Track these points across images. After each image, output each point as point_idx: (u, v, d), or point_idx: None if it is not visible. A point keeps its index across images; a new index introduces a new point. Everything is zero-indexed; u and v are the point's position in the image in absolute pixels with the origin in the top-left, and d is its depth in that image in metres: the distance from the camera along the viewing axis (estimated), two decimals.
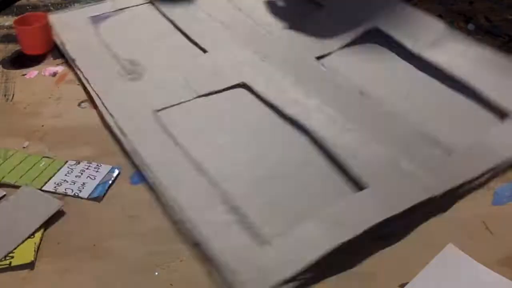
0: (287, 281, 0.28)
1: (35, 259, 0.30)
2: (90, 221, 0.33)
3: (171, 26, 0.53)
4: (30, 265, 0.30)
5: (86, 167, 0.37)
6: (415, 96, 0.43)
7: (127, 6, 0.56)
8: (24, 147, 0.39)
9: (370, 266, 0.30)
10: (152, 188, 0.35)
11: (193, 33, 0.51)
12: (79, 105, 0.44)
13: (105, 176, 0.36)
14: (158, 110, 0.41)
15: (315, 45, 0.49)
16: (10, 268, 0.30)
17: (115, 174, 0.36)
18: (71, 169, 0.37)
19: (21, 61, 0.50)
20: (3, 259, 0.30)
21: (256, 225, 0.32)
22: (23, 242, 0.31)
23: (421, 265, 0.30)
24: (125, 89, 0.44)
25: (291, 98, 0.42)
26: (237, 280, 0.28)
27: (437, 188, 0.33)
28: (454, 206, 0.34)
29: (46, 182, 0.35)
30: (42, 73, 0.47)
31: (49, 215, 0.32)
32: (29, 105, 0.43)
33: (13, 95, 0.45)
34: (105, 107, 0.42)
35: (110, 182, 0.36)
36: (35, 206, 0.33)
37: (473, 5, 0.59)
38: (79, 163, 0.37)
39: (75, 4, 0.60)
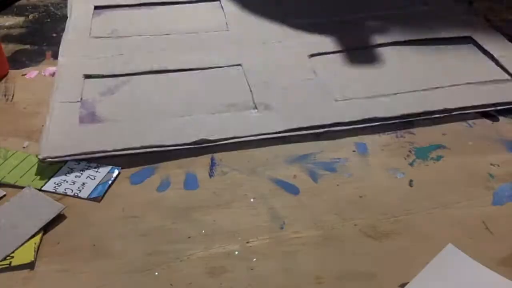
0: None
1: (35, 259, 0.30)
2: (90, 221, 0.33)
3: None
4: (30, 265, 0.30)
5: (86, 167, 0.37)
6: None
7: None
8: (24, 147, 0.39)
9: (370, 266, 0.30)
10: None
11: None
12: None
13: (105, 176, 0.36)
14: None
15: None
16: (10, 268, 0.30)
17: (115, 174, 0.36)
18: (71, 169, 0.37)
19: (21, 61, 0.50)
20: (3, 259, 0.30)
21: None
22: (23, 244, 0.31)
23: (421, 265, 0.30)
24: None
25: None
26: None
27: None
28: (454, 206, 0.34)
29: (46, 182, 0.35)
30: (42, 73, 0.47)
31: (50, 218, 0.32)
32: (29, 105, 0.43)
33: (13, 95, 0.45)
34: None
35: (110, 182, 0.36)
36: (37, 208, 0.33)
37: (473, 5, 0.59)
38: (79, 163, 0.37)
39: None
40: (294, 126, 0.40)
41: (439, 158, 0.38)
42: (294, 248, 0.31)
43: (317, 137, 0.40)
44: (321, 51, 0.50)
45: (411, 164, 0.38)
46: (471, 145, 0.39)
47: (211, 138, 0.39)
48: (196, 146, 0.39)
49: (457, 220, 0.33)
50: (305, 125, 0.40)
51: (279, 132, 0.40)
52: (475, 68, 0.47)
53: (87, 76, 0.46)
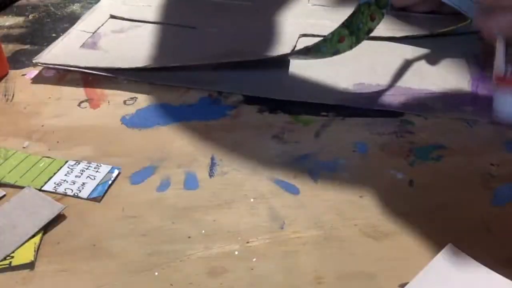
0: None
1: (35, 259, 0.30)
2: (90, 221, 0.33)
3: None
4: (30, 265, 0.30)
5: (86, 167, 0.37)
6: None
7: None
8: (24, 147, 0.39)
9: (370, 266, 0.30)
10: None
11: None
12: (79, 105, 0.44)
13: (105, 176, 0.36)
14: None
15: None
16: (10, 268, 0.30)
17: (115, 174, 0.36)
18: (71, 169, 0.37)
19: (21, 61, 0.50)
20: (3, 259, 0.30)
21: None
22: (23, 244, 0.31)
23: (421, 265, 0.30)
24: None
25: None
26: None
27: None
28: (454, 206, 0.34)
29: (46, 182, 0.35)
30: (42, 73, 0.47)
31: (50, 218, 0.32)
32: (29, 105, 0.43)
33: (13, 95, 0.45)
34: None
35: (110, 182, 0.36)
36: (37, 208, 0.33)
37: None
38: (79, 163, 0.37)
39: (76, 4, 0.60)
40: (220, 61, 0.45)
41: (439, 158, 0.38)
42: (294, 248, 0.31)
43: (317, 136, 0.40)
44: (314, 33, 0.51)
45: (411, 164, 0.38)
46: (471, 145, 0.39)
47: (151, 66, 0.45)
48: (139, 69, 0.45)
49: (457, 220, 0.33)
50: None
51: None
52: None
53: (112, 16, 0.55)
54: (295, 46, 0.49)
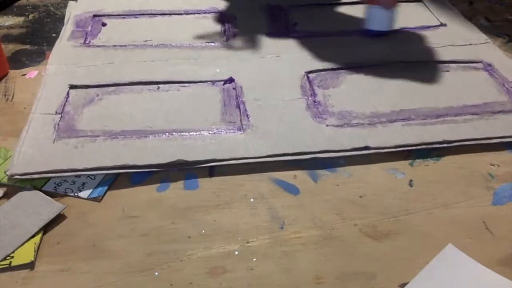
0: None
1: (35, 259, 0.30)
2: (90, 221, 0.33)
3: None
4: (30, 265, 0.30)
5: None
6: None
7: None
8: None
9: (370, 266, 0.30)
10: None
11: None
12: None
13: (105, 176, 0.36)
14: None
15: None
16: (10, 268, 0.30)
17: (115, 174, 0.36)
18: None
19: (21, 61, 0.50)
20: (3, 259, 0.30)
21: None
22: (23, 244, 0.31)
23: (421, 265, 0.30)
24: None
25: None
26: None
27: None
28: (454, 206, 0.34)
29: (46, 182, 0.35)
30: (42, 73, 0.47)
31: (50, 218, 0.32)
32: (29, 105, 0.43)
33: (13, 95, 0.45)
34: None
35: (110, 182, 0.36)
36: (37, 208, 0.33)
37: (473, 5, 0.59)
38: None
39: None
40: (279, 152, 0.38)
41: (439, 158, 0.38)
42: (294, 248, 0.31)
43: None
44: (319, 68, 0.47)
45: (411, 164, 0.38)
46: (471, 145, 0.39)
47: (189, 159, 0.37)
48: (171, 168, 0.37)
49: (457, 220, 0.33)
50: (290, 151, 0.38)
51: (262, 157, 0.38)
52: (482, 94, 0.44)
53: (73, 87, 0.44)
54: (305, 85, 0.45)
